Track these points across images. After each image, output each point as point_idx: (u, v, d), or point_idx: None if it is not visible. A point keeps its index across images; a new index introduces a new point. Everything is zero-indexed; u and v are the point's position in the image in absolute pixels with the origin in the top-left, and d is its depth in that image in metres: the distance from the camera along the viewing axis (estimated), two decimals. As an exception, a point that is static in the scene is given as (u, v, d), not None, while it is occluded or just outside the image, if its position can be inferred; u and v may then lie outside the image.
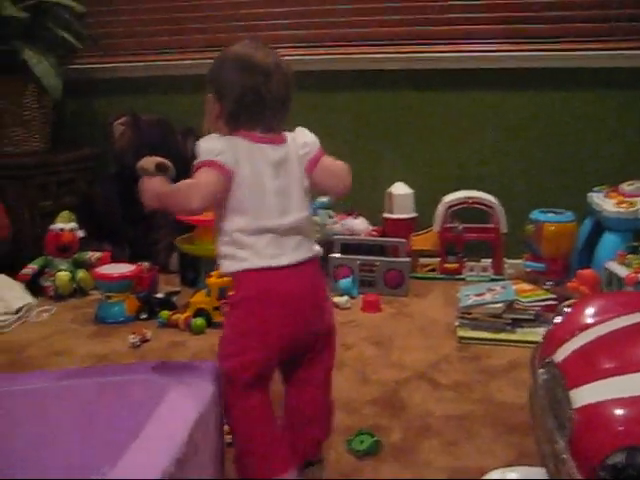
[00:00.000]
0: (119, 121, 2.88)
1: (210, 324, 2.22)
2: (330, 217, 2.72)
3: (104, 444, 1.18)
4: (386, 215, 2.76)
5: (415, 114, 2.83)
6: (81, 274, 2.58)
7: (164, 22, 3.04)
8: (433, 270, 2.73)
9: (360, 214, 2.79)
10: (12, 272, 2.50)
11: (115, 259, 2.61)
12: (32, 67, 2.63)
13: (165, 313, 2.28)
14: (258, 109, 1.24)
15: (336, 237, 2.63)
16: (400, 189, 2.76)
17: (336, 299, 2.43)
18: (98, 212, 2.79)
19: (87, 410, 1.20)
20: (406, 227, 2.71)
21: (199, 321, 2.20)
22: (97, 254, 2.62)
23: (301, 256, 1.23)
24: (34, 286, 2.53)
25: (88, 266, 2.62)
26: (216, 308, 2.22)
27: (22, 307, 2.35)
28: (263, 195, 1.22)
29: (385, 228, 2.76)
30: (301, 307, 1.22)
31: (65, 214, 2.60)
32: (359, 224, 2.75)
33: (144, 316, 2.33)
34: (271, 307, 1.20)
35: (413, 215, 2.75)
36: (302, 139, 1.30)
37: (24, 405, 1.18)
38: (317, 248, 1.29)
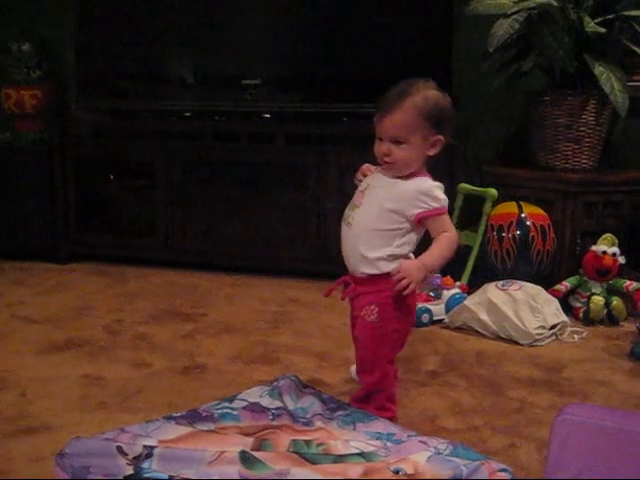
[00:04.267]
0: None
1: None
2: None
3: None
4: None
5: None
6: (615, 302, 2.45)
7: None
8: None
9: None
10: (546, 286, 2.49)
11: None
12: (602, 83, 2.56)
13: None
14: None
15: None
16: None
17: None
18: (642, 240, 2.61)
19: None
20: None
21: None
22: (635, 284, 2.45)
23: None
24: (563, 304, 2.48)
25: (622, 295, 2.47)
26: None
27: (557, 324, 2.32)
28: None
29: None
30: None
31: (609, 237, 2.49)
32: None
33: (690, 365, 2.08)
34: None
35: None
36: None
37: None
38: None
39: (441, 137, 1.54)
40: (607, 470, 1.11)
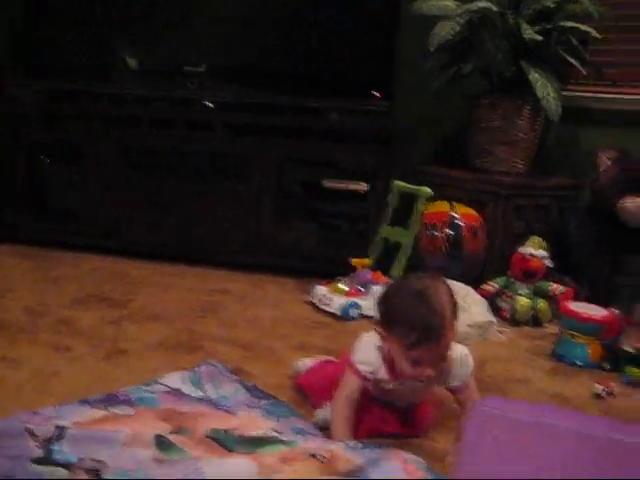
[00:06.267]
0: (606, 155, 2.73)
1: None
2: None
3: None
4: None
5: None
6: (541, 304, 2.50)
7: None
8: None
9: None
10: (476, 286, 2.53)
11: (576, 297, 2.49)
12: (536, 89, 2.62)
13: (634, 370, 2.05)
14: None
15: None
16: None
17: None
18: (567, 244, 2.68)
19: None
20: None
21: (676, 390, 1.93)
22: (561, 287, 2.51)
23: None
24: (491, 304, 2.52)
25: (548, 297, 2.53)
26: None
27: (484, 323, 2.35)
28: None
29: None
30: None
31: (536, 240, 2.55)
32: None
33: (607, 367, 2.14)
34: None
35: None
36: None
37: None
38: None
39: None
40: (520, 458, 1.13)
